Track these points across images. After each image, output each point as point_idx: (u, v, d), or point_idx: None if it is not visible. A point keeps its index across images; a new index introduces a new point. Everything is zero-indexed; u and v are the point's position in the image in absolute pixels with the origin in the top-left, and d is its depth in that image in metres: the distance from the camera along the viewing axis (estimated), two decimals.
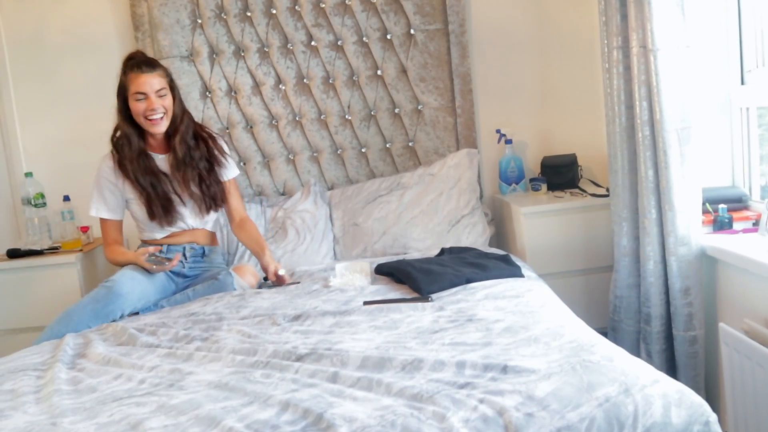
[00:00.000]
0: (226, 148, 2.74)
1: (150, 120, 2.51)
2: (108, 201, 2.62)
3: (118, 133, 2.61)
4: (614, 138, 2.56)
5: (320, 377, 1.63)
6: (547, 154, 3.23)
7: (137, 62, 2.52)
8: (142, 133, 2.57)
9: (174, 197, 2.58)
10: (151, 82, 2.49)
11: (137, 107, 2.50)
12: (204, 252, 2.72)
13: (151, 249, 2.52)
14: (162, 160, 2.62)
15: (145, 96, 2.49)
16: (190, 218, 2.65)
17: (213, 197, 2.64)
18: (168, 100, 2.54)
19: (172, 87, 2.58)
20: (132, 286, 2.40)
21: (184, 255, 2.63)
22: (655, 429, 1.41)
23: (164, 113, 2.52)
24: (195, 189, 2.60)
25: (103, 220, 2.63)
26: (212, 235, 2.79)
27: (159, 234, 2.64)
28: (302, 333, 1.97)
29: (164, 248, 2.61)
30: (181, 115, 2.59)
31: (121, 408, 1.59)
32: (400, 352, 1.72)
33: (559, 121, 3.27)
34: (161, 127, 2.54)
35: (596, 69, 3.12)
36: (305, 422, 1.42)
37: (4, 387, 1.82)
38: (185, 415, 1.50)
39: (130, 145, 2.56)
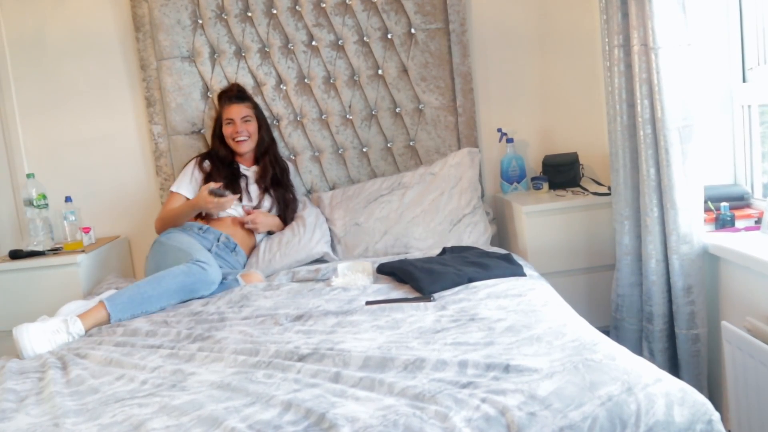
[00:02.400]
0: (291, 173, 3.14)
1: (236, 141, 2.96)
2: (185, 183, 2.98)
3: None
4: (615, 136, 2.56)
5: (322, 377, 1.63)
6: (548, 152, 3.23)
7: (229, 96, 3.01)
8: (232, 152, 3.01)
9: (242, 183, 2.96)
10: (238, 110, 2.97)
11: (227, 130, 2.98)
12: (234, 248, 2.83)
13: (212, 185, 2.76)
14: (246, 170, 3.02)
15: (232, 121, 2.94)
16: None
17: (285, 201, 3.01)
18: (252, 126, 2.99)
19: (258, 117, 3.03)
20: (217, 275, 2.53)
21: (217, 240, 2.79)
22: (657, 428, 1.41)
23: (248, 136, 2.97)
24: (272, 191, 2.99)
25: (173, 194, 2.96)
26: (251, 242, 2.94)
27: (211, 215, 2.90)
28: (304, 333, 1.97)
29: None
30: (268, 141, 3.06)
31: (123, 409, 1.59)
32: (402, 351, 1.72)
33: (560, 119, 3.27)
34: (245, 147, 2.98)
35: (597, 67, 3.12)
36: (307, 422, 1.42)
37: (6, 386, 1.82)
38: (187, 415, 1.51)
39: (218, 156, 2.99)
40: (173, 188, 2.99)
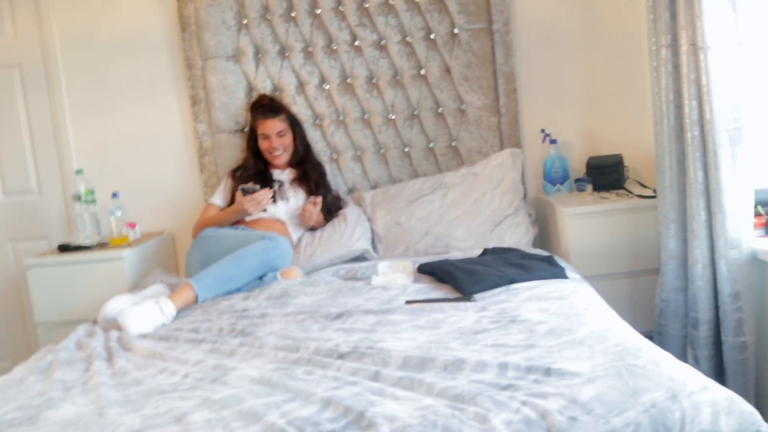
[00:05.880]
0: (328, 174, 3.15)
1: (272, 155, 3.02)
2: (219, 193, 3.09)
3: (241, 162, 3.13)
4: (662, 138, 2.51)
5: (362, 375, 1.63)
6: (592, 154, 3.18)
7: (263, 110, 3.03)
8: (265, 161, 3.06)
9: (276, 186, 2.97)
10: (273, 126, 3.00)
11: (263, 145, 3.03)
12: None
13: (242, 186, 2.84)
14: (281, 174, 3.05)
15: (268, 137, 2.98)
16: (282, 209, 2.95)
17: (327, 202, 3.01)
18: (287, 139, 3.03)
19: (294, 127, 3.06)
20: (289, 246, 2.72)
21: None
22: None
23: (284, 150, 3.02)
24: (311, 193, 2.99)
25: (209, 204, 3.07)
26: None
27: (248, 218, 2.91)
28: (344, 331, 1.97)
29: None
30: (303, 150, 3.08)
31: (165, 401, 1.62)
32: (442, 352, 1.71)
33: (604, 120, 3.22)
34: (281, 161, 3.04)
35: (643, 67, 3.06)
36: (346, 420, 1.42)
37: (55, 376, 1.87)
38: (228, 409, 1.52)
39: (250, 167, 3.04)
40: (209, 200, 3.09)
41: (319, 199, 2.92)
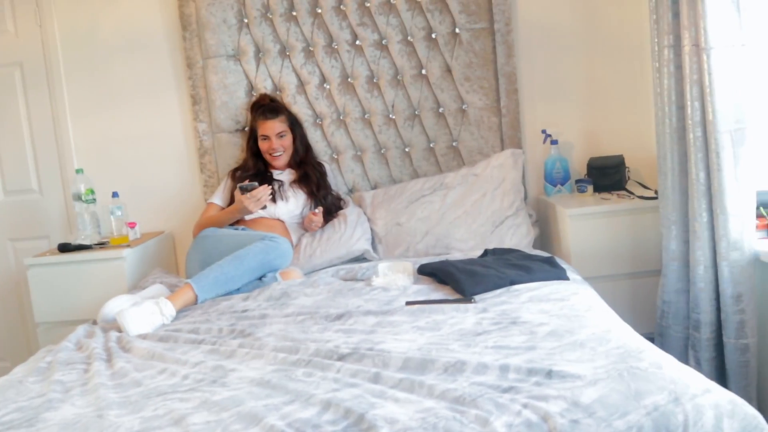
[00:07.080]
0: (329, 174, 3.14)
1: (272, 156, 3.01)
2: (219, 193, 3.08)
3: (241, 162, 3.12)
4: (664, 139, 2.50)
5: (362, 377, 1.62)
6: (593, 155, 3.17)
7: (263, 110, 3.03)
8: (265, 162, 3.06)
9: (276, 186, 2.96)
10: (273, 127, 2.99)
11: (263, 146, 3.03)
12: None
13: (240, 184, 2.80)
14: (281, 174, 3.05)
15: (268, 138, 2.98)
16: (283, 209, 2.95)
17: (328, 203, 3.00)
18: (287, 140, 3.03)
19: (294, 128, 3.05)
20: (289, 246, 2.70)
21: None
22: None
23: (283, 151, 3.02)
24: (312, 194, 2.98)
25: (209, 204, 3.06)
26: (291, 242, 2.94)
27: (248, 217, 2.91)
28: (344, 332, 1.96)
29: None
30: (303, 150, 3.08)
31: (165, 402, 1.61)
32: (442, 353, 1.70)
33: (606, 121, 3.21)
34: (281, 162, 3.03)
35: (645, 68, 3.05)
36: (346, 422, 1.42)
37: (54, 377, 1.86)
38: (227, 411, 1.52)
39: (249, 168, 3.03)
40: (209, 199, 3.08)
41: (320, 209, 2.91)
